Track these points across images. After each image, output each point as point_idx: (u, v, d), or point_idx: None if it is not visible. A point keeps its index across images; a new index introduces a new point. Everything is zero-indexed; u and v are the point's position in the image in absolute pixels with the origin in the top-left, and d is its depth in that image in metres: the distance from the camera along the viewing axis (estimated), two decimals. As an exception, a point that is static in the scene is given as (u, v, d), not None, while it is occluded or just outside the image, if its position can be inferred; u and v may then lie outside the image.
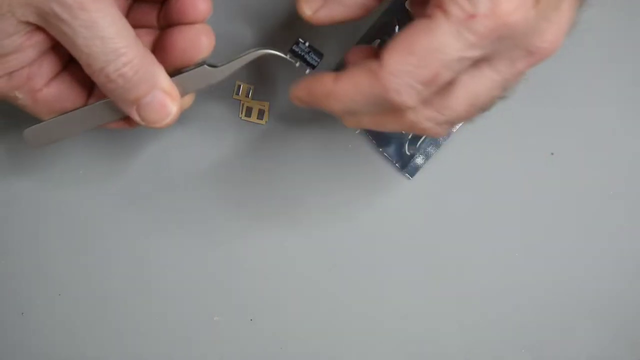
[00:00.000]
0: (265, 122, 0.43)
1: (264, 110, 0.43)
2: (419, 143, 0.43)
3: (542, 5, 0.29)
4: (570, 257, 0.44)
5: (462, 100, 0.32)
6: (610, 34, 0.43)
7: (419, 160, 0.43)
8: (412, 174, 0.43)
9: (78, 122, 0.35)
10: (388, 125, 0.34)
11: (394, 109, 0.32)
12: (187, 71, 0.35)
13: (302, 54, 0.37)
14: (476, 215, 0.43)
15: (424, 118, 0.32)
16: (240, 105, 0.43)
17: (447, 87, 0.31)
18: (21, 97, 0.34)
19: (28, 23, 0.31)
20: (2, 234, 0.43)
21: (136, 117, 0.34)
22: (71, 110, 0.35)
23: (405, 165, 0.43)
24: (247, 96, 0.43)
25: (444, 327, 0.44)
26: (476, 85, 0.31)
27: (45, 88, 0.34)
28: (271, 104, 0.43)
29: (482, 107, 0.33)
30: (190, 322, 0.43)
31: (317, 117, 0.43)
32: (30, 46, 0.32)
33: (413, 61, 0.30)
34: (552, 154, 0.43)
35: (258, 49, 0.36)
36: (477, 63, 0.31)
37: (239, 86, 0.43)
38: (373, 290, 0.43)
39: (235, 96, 0.43)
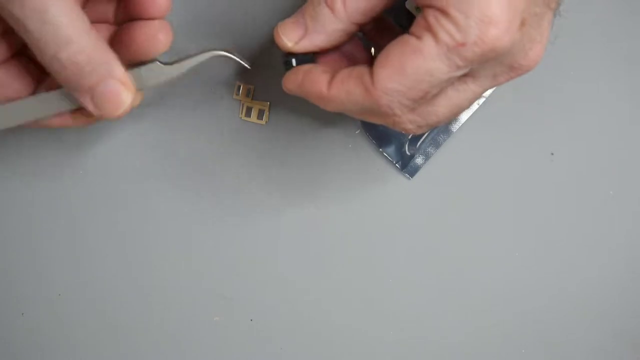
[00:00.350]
0: (266, 122, 0.43)
1: (264, 110, 0.43)
2: (419, 143, 0.43)
3: (527, 27, 0.30)
4: (570, 257, 0.44)
5: (445, 109, 0.33)
6: (610, 33, 0.43)
7: (419, 160, 0.43)
8: (412, 174, 0.43)
9: (25, 112, 0.35)
10: (371, 119, 0.35)
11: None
12: (139, 66, 0.35)
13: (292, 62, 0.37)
14: (476, 215, 0.43)
15: (407, 120, 0.33)
16: (241, 105, 0.43)
17: (433, 97, 0.33)
18: None
19: None
20: (2, 234, 0.43)
21: (90, 106, 0.33)
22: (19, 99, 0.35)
23: (405, 165, 0.43)
24: (247, 96, 0.43)
25: (444, 327, 0.44)
26: (459, 97, 0.33)
27: None
28: (271, 104, 0.43)
29: (459, 113, 0.34)
30: (191, 322, 0.43)
31: (318, 117, 0.43)
32: None
33: (404, 82, 0.31)
34: (552, 154, 0.43)
35: (212, 50, 0.36)
36: (462, 77, 0.32)
37: (239, 86, 0.43)
38: (373, 290, 0.43)
39: (235, 96, 0.43)
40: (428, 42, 0.30)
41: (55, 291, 0.43)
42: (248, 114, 0.43)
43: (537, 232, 0.44)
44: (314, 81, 0.35)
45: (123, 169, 0.43)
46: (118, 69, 0.33)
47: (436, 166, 0.43)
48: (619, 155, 0.44)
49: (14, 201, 0.43)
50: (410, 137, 0.43)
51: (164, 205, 0.43)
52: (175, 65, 0.36)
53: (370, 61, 0.33)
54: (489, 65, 0.32)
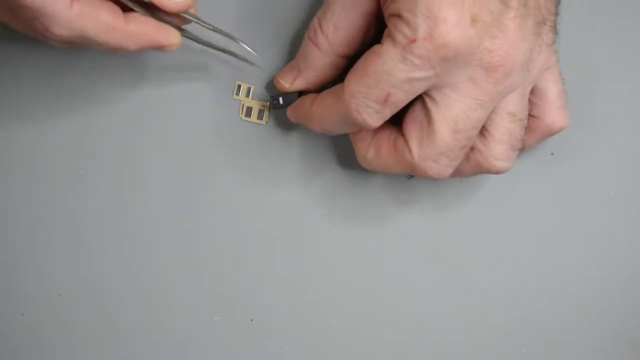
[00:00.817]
0: (266, 122, 0.43)
1: (264, 110, 0.43)
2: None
3: (481, 24, 0.32)
4: (570, 257, 0.44)
5: (444, 130, 0.34)
6: (609, 34, 0.43)
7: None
8: (411, 175, 0.43)
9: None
10: (392, 166, 0.37)
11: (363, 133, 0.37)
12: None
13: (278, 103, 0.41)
14: (476, 216, 0.43)
15: (420, 158, 0.35)
16: (240, 105, 0.43)
17: (427, 123, 0.35)
18: None
19: None
20: (1, 233, 0.43)
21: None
22: None
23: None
24: (247, 96, 0.43)
25: (444, 327, 0.44)
26: (448, 111, 0.34)
27: None
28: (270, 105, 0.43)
29: (470, 134, 0.35)
30: (191, 322, 0.43)
31: (317, 117, 0.43)
32: None
33: (367, 82, 0.33)
34: (552, 154, 0.43)
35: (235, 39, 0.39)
36: (439, 90, 0.34)
37: (239, 86, 0.43)
38: (373, 290, 0.43)
39: (235, 96, 0.43)
40: (387, 44, 0.33)
41: (55, 291, 0.43)
42: (248, 114, 0.43)
43: (537, 232, 0.44)
44: (304, 102, 0.39)
45: (123, 168, 0.43)
46: None
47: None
48: (619, 155, 0.44)
49: (14, 201, 0.43)
50: None
51: (164, 205, 0.43)
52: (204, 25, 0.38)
53: None
54: (456, 68, 0.33)
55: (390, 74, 0.33)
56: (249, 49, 0.39)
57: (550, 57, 0.37)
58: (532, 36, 0.34)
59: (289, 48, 0.42)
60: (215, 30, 0.39)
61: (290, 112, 0.41)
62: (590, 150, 0.43)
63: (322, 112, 0.37)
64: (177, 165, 0.43)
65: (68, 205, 0.43)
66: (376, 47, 0.33)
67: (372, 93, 0.33)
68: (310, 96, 0.39)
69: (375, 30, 0.37)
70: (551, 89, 0.38)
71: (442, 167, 0.36)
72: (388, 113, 0.35)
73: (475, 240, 0.43)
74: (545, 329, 0.44)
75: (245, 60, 0.40)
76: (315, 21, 0.38)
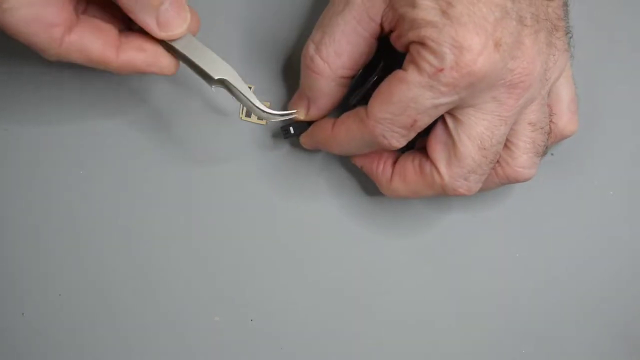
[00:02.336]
0: (266, 122, 0.43)
1: (264, 110, 0.43)
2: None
3: (503, 47, 0.32)
4: (570, 257, 0.44)
5: (471, 148, 0.35)
6: (608, 35, 0.43)
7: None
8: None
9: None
10: (421, 191, 0.38)
11: (384, 151, 0.38)
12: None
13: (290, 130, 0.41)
14: (476, 216, 0.43)
15: (449, 178, 0.36)
16: (241, 105, 0.43)
17: (453, 144, 0.35)
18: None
19: None
20: (2, 233, 0.43)
21: (153, 26, 0.35)
22: None
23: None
24: (247, 96, 0.43)
25: (444, 327, 0.44)
26: (473, 129, 0.35)
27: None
28: (271, 104, 0.43)
29: (496, 149, 0.35)
30: (191, 322, 0.43)
31: (317, 118, 0.43)
32: None
33: (393, 110, 0.34)
34: (552, 154, 0.44)
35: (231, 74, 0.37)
36: (463, 110, 0.34)
37: (239, 86, 0.43)
38: (373, 290, 0.44)
39: (235, 96, 0.43)
40: (412, 71, 0.33)
41: (55, 291, 0.43)
42: (248, 114, 0.43)
43: (537, 232, 0.44)
44: (321, 127, 0.39)
45: (123, 169, 0.43)
46: None
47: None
48: (619, 155, 0.44)
49: (14, 201, 0.43)
50: None
51: (164, 205, 0.43)
52: (201, 51, 0.36)
53: None
54: (480, 90, 0.33)
55: (416, 102, 0.33)
56: (266, 109, 0.38)
57: (565, 61, 0.37)
58: (546, 47, 0.35)
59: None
60: (238, 97, 0.37)
61: (305, 139, 0.41)
62: (590, 151, 0.43)
63: (344, 136, 0.37)
64: (177, 166, 0.43)
65: (68, 205, 0.43)
66: (400, 74, 0.33)
67: (399, 120, 0.34)
68: (328, 121, 0.39)
69: (376, 49, 0.37)
70: (564, 93, 0.38)
71: (472, 184, 0.36)
72: (413, 135, 0.35)
73: (475, 240, 0.44)
74: (545, 329, 0.44)
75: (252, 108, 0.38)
76: (310, 48, 0.37)
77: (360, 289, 0.43)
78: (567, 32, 0.37)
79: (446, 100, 0.33)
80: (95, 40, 0.34)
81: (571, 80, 0.39)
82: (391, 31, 0.35)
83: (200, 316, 0.43)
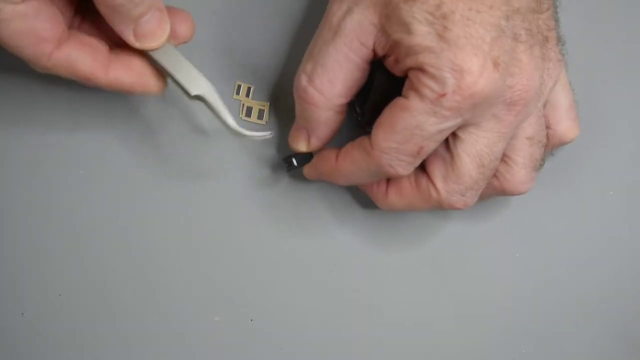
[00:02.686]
0: (265, 122, 0.43)
1: (264, 110, 0.43)
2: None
3: (502, 66, 0.32)
4: (570, 257, 0.44)
5: (469, 165, 0.35)
6: (606, 36, 0.43)
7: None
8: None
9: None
10: (417, 205, 0.37)
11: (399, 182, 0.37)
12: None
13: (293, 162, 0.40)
14: (477, 216, 0.43)
15: (446, 193, 0.36)
16: (240, 105, 0.43)
17: (451, 160, 0.35)
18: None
19: None
20: (1, 234, 0.43)
21: (131, 38, 0.34)
22: None
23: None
24: (247, 96, 0.43)
25: (444, 328, 0.44)
26: (473, 147, 0.35)
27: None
28: (271, 104, 0.43)
29: (494, 165, 0.36)
30: (191, 322, 0.43)
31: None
32: None
33: (398, 139, 0.33)
34: (552, 154, 0.44)
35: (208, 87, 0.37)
36: (464, 128, 0.34)
37: (239, 86, 0.43)
38: (373, 290, 0.44)
39: (235, 96, 0.43)
40: (413, 99, 0.32)
41: (55, 291, 0.43)
42: (248, 114, 0.43)
43: (537, 232, 0.44)
44: (325, 159, 0.38)
45: (123, 169, 0.43)
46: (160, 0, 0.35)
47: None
48: (619, 156, 0.44)
49: (14, 201, 0.43)
50: None
51: (164, 205, 0.43)
52: (180, 63, 0.36)
53: None
54: (482, 110, 0.33)
55: (421, 129, 0.33)
56: (240, 130, 0.38)
57: (558, 70, 0.37)
58: (541, 61, 0.35)
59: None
60: (222, 121, 0.37)
61: (309, 171, 0.40)
62: (590, 151, 0.43)
63: (349, 168, 0.37)
64: (177, 166, 0.43)
65: (68, 205, 0.43)
66: (401, 102, 0.33)
67: (405, 148, 0.34)
68: (332, 152, 0.38)
69: (369, 72, 0.37)
70: (562, 100, 0.38)
71: (468, 199, 0.36)
72: (419, 161, 0.35)
73: (475, 240, 0.44)
74: (545, 330, 0.44)
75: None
76: (302, 79, 0.36)
77: (360, 289, 0.43)
78: (559, 40, 0.36)
79: (450, 124, 0.33)
80: (84, 58, 0.34)
81: (568, 87, 0.39)
82: (385, 56, 0.34)
83: (200, 316, 0.43)
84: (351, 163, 0.36)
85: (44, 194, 0.43)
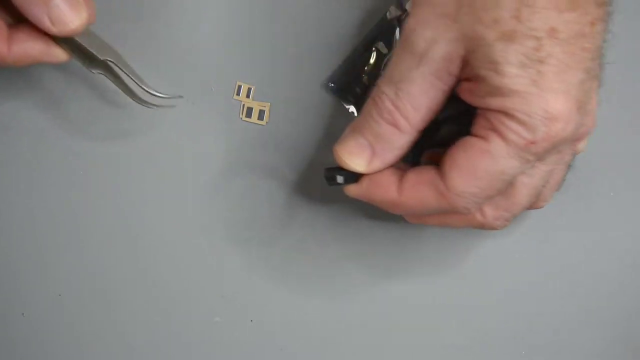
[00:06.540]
0: (266, 122, 0.43)
1: (264, 111, 0.43)
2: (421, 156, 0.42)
3: (582, 108, 0.31)
4: (570, 258, 0.44)
5: (525, 197, 0.34)
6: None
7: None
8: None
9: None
10: (455, 224, 0.36)
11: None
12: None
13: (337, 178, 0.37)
14: (476, 217, 0.43)
15: (493, 219, 0.35)
16: (241, 105, 0.43)
17: (508, 190, 0.34)
18: None
19: None
20: (1, 234, 0.43)
21: (45, 21, 0.34)
22: None
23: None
24: (247, 97, 0.43)
25: (444, 328, 0.44)
26: (535, 181, 0.34)
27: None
28: (272, 104, 0.43)
29: (539, 193, 0.35)
30: (191, 323, 0.43)
31: (318, 119, 0.42)
32: None
33: (479, 184, 0.32)
34: (552, 155, 0.43)
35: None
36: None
37: (240, 86, 0.43)
38: (373, 290, 0.43)
39: (235, 97, 0.43)
40: (496, 143, 0.31)
41: (55, 291, 0.43)
42: (248, 114, 0.43)
43: (537, 233, 0.44)
44: (382, 187, 0.35)
45: (123, 169, 0.43)
46: None
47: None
48: (619, 156, 0.44)
49: (14, 201, 0.43)
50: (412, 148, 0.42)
51: (164, 205, 0.43)
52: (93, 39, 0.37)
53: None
54: (556, 149, 0.33)
55: (505, 174, 0.32)
56: (155, 93, 0.38)
57: None
58: (595, 96, 0.34)
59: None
60: (128, 74, 0.38)
61: (356, 192, 0.37)
62: (589, 151, 0.43)
63: (414, 205, 0.34)
64: (177, 166, 0.43)
65: (68, 205, 0.43)
66: (481, 145, 0.32)
67: (485, 193, 0.32)
68: (390, 180, 0.35)
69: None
70: None
71: (510, 222, 0.36)
72: (498, 203, 0.35)
73: (474, 240, 0.43)
74: (545, 332, 0.44)
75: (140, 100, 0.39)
76: (386, 102, 0.34)
77: (360, 289, 0.43)
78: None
79: (530, 165, 0.32)
80: None
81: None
82: (460, 80, 0.33)
83: (201, 317, 0.43)
84: (419, 201, 0.34)
85: (44, 194, 0.43)
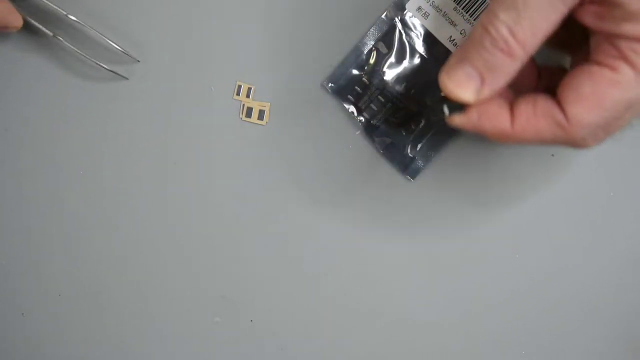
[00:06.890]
0: (266, 122, 0.43)
1: (264, 111, 0.43)
2: (419, 146, 0.43)
3: None
4: (570, 258, 0.44)
5: (627, 121, 0.32)
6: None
7: (419, 162, 0.43)
8: (413, 176, 0.43)
9: None
10: (550, 140, 0.34)
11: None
12: None
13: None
14: (477, 216, 0.43)
15: (594, 142, 0.33)
16: (241, 105, 0.43)
17: None
18: None
19: None
20: (1, 234, 0.43)
21: None
22: None
23: (407, 167, 0.42)
24: (247, 96, 0.43)
25: (444, 328, 0.44)
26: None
27: None
28: (272, 104, 0.43)
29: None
30: (191, 323, 0.43)
31: (318, 119, 0.42)
32: None
33: (606, 116, 0.31)
34: (552, 155, 0.43)
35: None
36: None
37: (240, 86, 0.43)
38: (373, 291, 0.44)
39: (235, 96, 0.43)
40: (626, 72, 0.30)
41: (55, 291, 0.43)
42: (248, 114, 0.43)
43: (538, 233, 0.44)
44: (493, 119, 0.34)
45: (122, 169, 0.43)
46: None
47: (438, 169, 0.43)
48: (619, 156, 0.44)
49: (14, 201, 0.43)
50: (411, 139, 0.42)
51: (164, 206, 0.43)
52: None
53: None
54: None
55: (630, 103, 0.30)
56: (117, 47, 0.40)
57: None
58: None
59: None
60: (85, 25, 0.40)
61: (463, 122, 0.35)
62: (590, 151, 0.43)
63: (529, 137, 0.33)
64: (177, 166, 0.43)
65: (68, 205, 0.43)
66: (609, 75, 0.30)
67: (612, 125, 0.31)
68: (502, 112, 0.34)
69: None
70: None
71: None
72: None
73: (474, 240, 0.43)
74: (544, 331, 0.44)
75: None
76: (502, 29, 0.32)
77: (360, 289, 0.43)
78: None
79: None
80: None
81: None
82: (583, 3, 0.31)
83: (201, 317, 0.43)
84: (534, 134, 0.33)
85: (44, 194, 0.43)
